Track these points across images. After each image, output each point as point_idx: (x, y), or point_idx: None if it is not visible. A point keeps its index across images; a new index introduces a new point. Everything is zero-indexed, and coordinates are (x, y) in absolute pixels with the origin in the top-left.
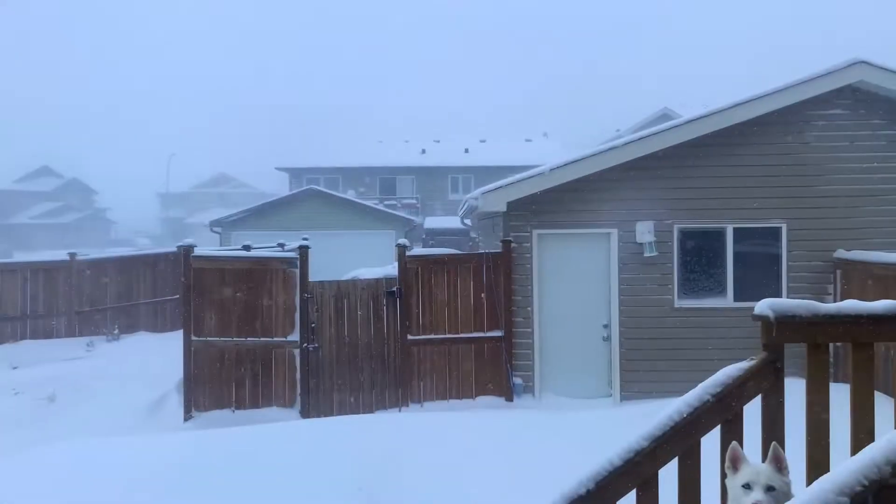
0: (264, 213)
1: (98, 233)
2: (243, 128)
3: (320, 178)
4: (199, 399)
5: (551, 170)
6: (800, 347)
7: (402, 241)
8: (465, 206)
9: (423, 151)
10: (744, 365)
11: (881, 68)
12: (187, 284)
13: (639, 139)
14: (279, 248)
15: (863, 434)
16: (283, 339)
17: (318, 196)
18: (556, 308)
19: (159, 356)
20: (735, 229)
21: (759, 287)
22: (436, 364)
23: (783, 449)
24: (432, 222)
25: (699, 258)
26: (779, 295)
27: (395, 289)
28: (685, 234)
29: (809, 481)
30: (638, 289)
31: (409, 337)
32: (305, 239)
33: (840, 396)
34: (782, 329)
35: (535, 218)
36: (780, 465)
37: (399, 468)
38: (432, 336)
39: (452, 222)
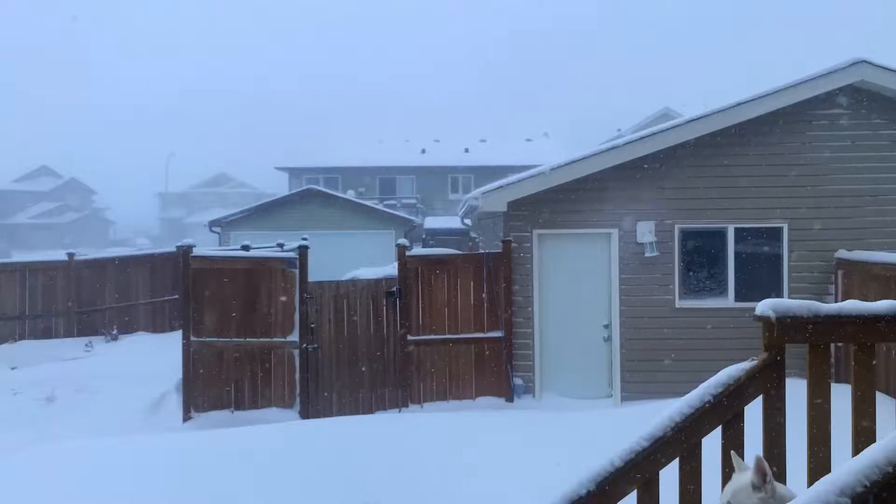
0: (263, 213)
1: (97, 233)
2: (243, 127)
3: (320, 177)
4: (198, 399)
5: (552, 170)
6: (801, 348)
7: (402, 241)
8: (465, 206)
9: (423, 151)
10: (745, 365)
11: (882, 68)
12: (186, 284)
13: (639, 139)
14: (278, 248)
15: (864, 434)
16: (283, 339)
17: (317, 196)
18: (556, 308)
19: (158, 356)
20: (736, 229)
21: (760, 287)
22: (436, 364)
23: (784, 449)
24: (432, 222)
25: (700, 258)
26: (780, 295)
27: (394, 289)
28: (686, 234)
29: (811, 482)
30: (639, 289)
31: (409, 337)
32: (305, 239)
33: (841, 397)
34: (783, 330)
35: (536, 218)
36: (762, 478)
37: (400, 469)
38: (432, 336)
39: (452, 222)
